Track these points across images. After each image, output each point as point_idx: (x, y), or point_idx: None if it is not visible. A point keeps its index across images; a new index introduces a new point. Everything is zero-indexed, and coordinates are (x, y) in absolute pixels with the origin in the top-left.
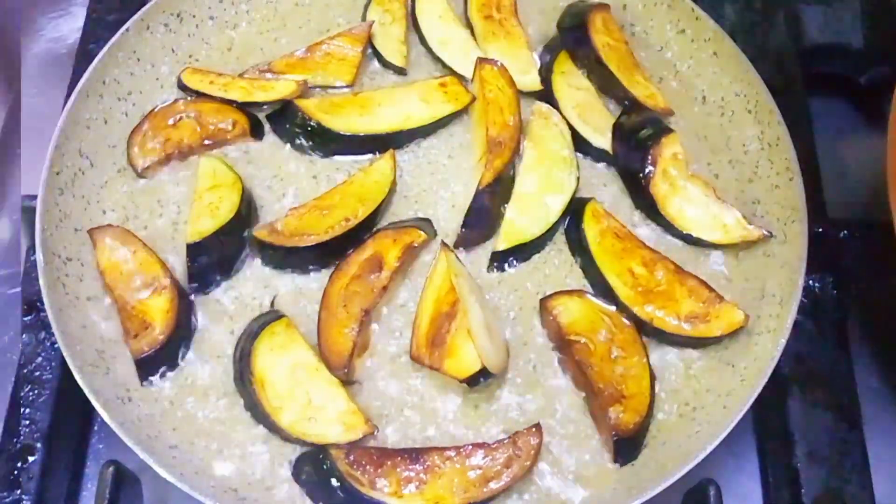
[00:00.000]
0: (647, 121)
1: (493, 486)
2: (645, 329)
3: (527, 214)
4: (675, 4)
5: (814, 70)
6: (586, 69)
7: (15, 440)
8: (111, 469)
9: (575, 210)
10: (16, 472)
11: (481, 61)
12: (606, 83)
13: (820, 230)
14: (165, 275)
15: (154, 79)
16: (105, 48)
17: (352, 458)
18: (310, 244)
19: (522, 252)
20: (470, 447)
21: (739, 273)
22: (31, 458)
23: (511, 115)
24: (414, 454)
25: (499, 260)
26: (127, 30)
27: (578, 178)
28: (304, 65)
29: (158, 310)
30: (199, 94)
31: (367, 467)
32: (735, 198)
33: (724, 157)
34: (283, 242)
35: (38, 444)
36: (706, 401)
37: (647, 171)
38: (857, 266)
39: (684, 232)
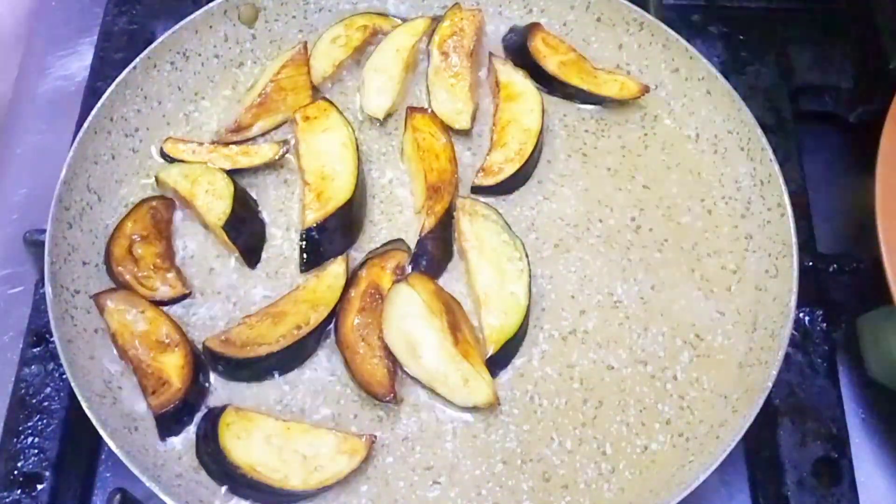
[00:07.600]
0: (512, 30)
1: None
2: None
3: (499, 310)
4: (670, 44)
5: (804, 108)
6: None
7: (24, 468)
8: (118, 497)
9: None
10: (25, 500)
11: (411, 110)
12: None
13: (810, 264)
14: (176, 330)
15: (160, 116)
16: (112, 86)
17: None
18: (261, 354)
19: (512, 347)
20: None
21: (732, 307)
22: (39, 487)
23: (447, 161)
24: None
25: (494, 366)
26: (134, 68)
27: (527, 256)
28: (266, 108)
29: (174, 366)
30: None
31: None
32: (728, 233)
33: (717, 194)
34: (235, 353)
35: (47, 473)
36: (699, 431)
37: (535, 63)
38: (845, 299)
39: (599, 95)
